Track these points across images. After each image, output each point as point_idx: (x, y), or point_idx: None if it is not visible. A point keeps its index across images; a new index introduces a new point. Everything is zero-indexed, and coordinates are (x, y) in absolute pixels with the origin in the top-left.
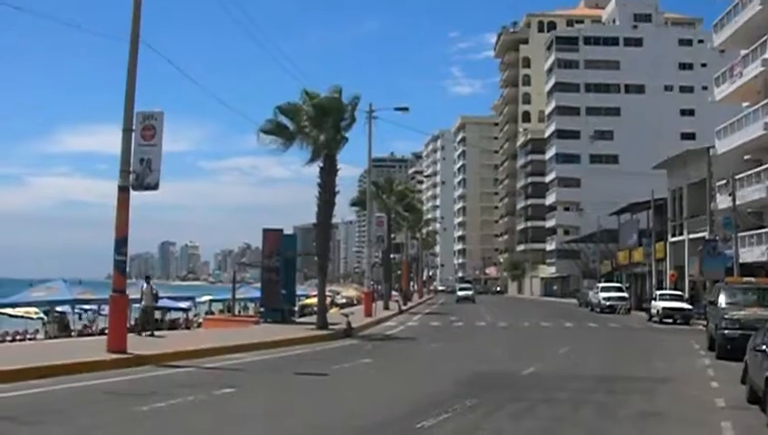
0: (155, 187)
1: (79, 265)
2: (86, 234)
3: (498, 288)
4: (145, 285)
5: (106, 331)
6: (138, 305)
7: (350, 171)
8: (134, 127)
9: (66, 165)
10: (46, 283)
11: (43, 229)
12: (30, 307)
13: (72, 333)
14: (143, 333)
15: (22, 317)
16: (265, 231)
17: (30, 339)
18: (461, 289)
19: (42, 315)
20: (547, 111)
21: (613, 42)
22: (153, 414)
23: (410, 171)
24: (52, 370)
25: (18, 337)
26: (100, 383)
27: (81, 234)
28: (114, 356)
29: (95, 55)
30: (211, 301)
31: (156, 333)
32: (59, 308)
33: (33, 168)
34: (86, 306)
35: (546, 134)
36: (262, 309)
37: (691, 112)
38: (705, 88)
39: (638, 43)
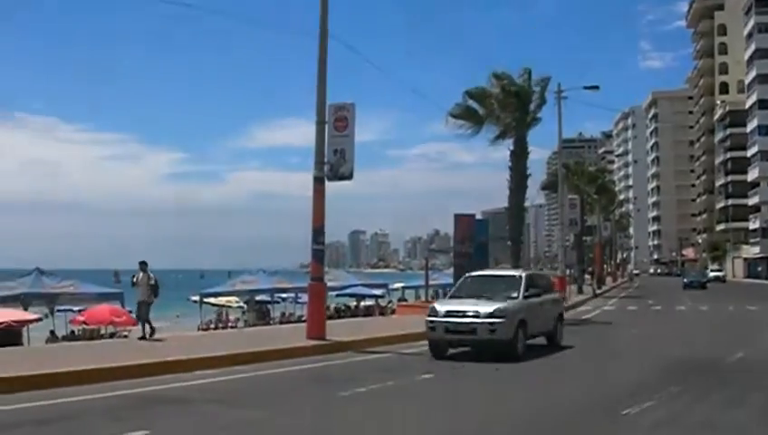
0: (349, 176)
1: (271, 255)
2: (277, 225)
3: (723, 273)
4: (141, 274)
5: (303, 319)
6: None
7: (538, 154)
8: (327, 119)
9: (259, 159)
10: (243, 274)
11: (238, 222)
12: (231, 296)
13: (271, 321)
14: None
15: (223, 306)
16: (457, 217)
17: (232, 327)
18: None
19: (242, 304)
20: (747, 80)
21: None
22: (354, 399)
23: (600, 151)
24: (256, 356)
25: (220, 325)
26: (302, 369)
27: (272, 225)
28: (314, 342)
29: (284, 52)
30: (404, 288)
31: (157, 336)
32: (258, 297)
33: (229, 164)
34: (284, 295)
35: (747, 105)
36: None
37: None
38: None
39: None
